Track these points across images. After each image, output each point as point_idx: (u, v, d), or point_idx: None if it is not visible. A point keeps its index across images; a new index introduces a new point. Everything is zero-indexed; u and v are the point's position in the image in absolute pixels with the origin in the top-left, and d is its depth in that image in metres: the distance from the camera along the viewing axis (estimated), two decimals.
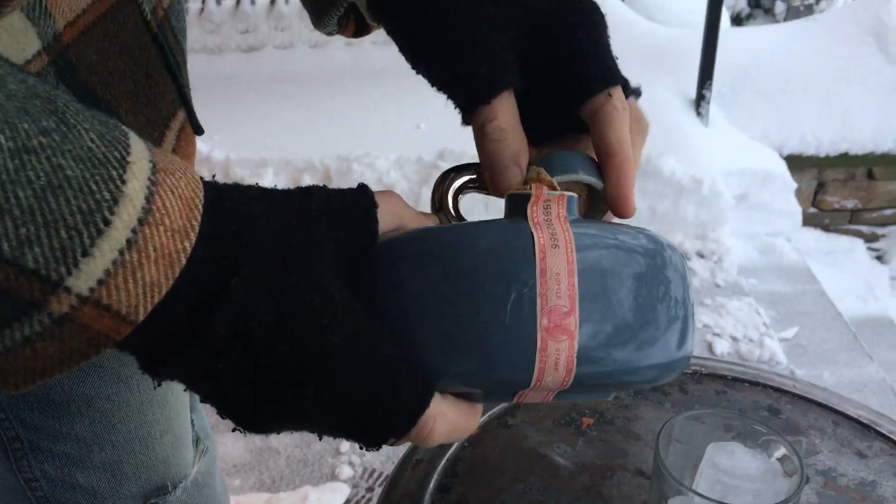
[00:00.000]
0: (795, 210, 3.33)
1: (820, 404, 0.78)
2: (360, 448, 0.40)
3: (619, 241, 0.39)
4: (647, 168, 3.03)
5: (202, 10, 4.20)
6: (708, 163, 3.13)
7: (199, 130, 0.63)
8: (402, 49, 0.50)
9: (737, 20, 6.11)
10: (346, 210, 0.38)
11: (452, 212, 0.47)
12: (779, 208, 3.31)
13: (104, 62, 0.50)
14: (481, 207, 2.81)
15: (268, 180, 3.21)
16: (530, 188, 0.41)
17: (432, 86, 0.48)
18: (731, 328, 2.62)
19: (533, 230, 0.37)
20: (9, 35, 0.41)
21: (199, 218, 0.33)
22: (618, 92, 0.46)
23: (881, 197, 3.64)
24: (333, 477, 2.04)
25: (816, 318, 2.77)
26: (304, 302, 0.35)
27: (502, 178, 0.44)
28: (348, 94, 3.69)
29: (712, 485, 0.57)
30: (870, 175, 3.61)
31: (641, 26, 4.16)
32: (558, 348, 0.37)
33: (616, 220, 0.46)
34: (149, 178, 0.31)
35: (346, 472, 2.04)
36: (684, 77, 3.61)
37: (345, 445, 2.12)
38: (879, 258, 3.62)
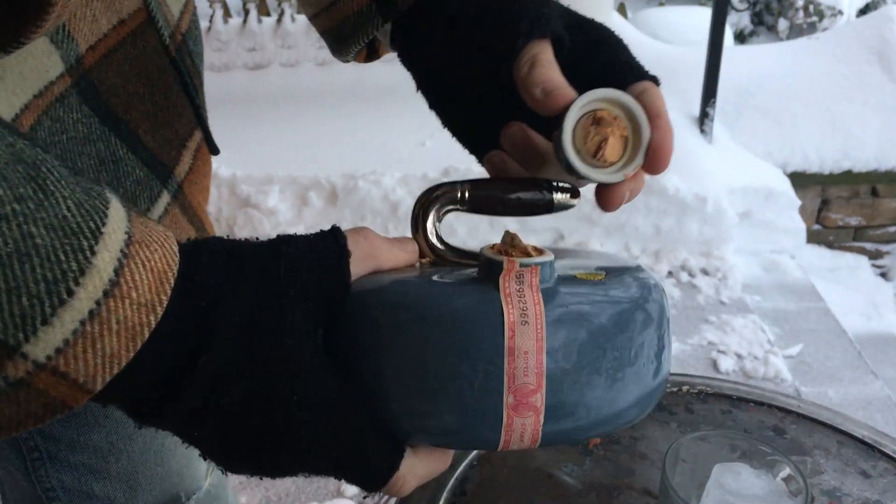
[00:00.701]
0: (799, 227, 3.34)
1: (825, 424, 0.79)
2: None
3: (593, 307, 0.39)
4: (651, 185, 3.05)
5: (209, 28, 4.23)
6: (712, 180, 3.14)
7: (214, 150, 0.65)
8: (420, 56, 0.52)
9: (740, 38, 6.14)
10: (318, 267, 0.38)
11: (433, 238, 0.46)
12: (783, 226, 3.31)
13: (124, 84, 0.51)
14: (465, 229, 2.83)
15: (274, 198, 3.23)
16: (503, 254, 0.40)
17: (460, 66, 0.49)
18: (736, 345, 2.62)
19: (503, 305, 0.37)
20: (34, 58, 0.43)
21: (168, 292, 0.33)
22: (654, 88, 0.46)
23: (885, 214, 3.64)
24: (339, 494, 2.04)
25: (821, 336, 2.77)
26: (273, 378, 0.36)
27: (560, 98, 0.44)
28: (354, 112, 3.71)
29: None
30: (874, 192, 3.61)
31: (645, 45, 4.18)
32: (524, 423, 0.38)
33: (593, 252, 0.46)
34: (121, 250, 0.31)
35: (352, 489, 2.05)
36: (688, 95, 3.63)
37: None
38: (884, 275, 3.63)
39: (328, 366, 0.38)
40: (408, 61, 0.54)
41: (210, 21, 4.27)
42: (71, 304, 0.29)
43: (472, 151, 0.53)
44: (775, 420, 0.80)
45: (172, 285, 0.33)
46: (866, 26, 4.02)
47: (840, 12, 5.72)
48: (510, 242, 0.41)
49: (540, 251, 0.40)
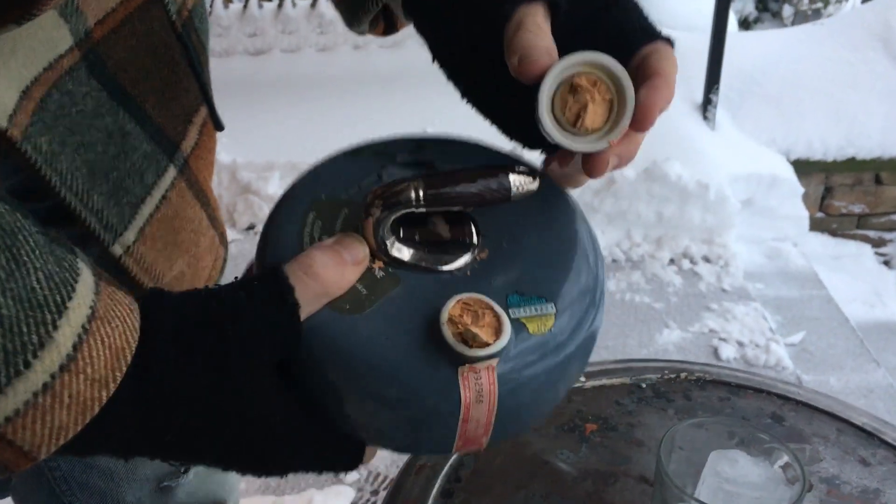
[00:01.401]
0: (802, 215, 3.33)
1: (824, 411, 0.78)
2: None
3: (542, 370, 0.41)
4: (653, 172, 3.03)
5: (210, 13, 4.22)
6: (715, 167, 3.13)
7: (219, 126, 0.65)
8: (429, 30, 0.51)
9: (744, 24, 6.10)
10: (270, 332, 0.38)
11: (387, 248, 0.43)
12: (786, 213, 3.30)
13: (132, 59, 0.51)
14: None
15: (274, 184, 3.22)
16: (462, 339, 0.40)
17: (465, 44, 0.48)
18: (738, 333, 2.62)
19: (461, 390, 0.39)
20: (43, 31, 0.43)
21: (123, 369, 0.33)
22: (663, 49, 0.45)
23: (889, 202, 3.63)
24: (338, 480, 2.04)
25: (823, 324, 2.77)
26: (245, 441, 0.39)
27: (535, 66, 0.42)
28: (355, 98, 3.70)
29: (714, 492, 0.57)
30: (877, 180, 3.60)
31: None
32: (469, 450, 0.43)
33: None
34: (83, 326, 0.31)
35: (351, 475, 2.05)
36: (691, 81, 3.61)
37: None
38: (887, 263, 3.61)
39: (292, 401, 0.40)
40: (421, 29, 0.52)
41: (211, 6, 4.25)
42: (26, 376, 0.29)
43: (494, 122, 0.50)
44: (774, 407, 0.79)
45: (129, 362, 0.34)
46: (871, 12, 3.99)
47: None
48: (473, 337, 0.39)
49: (498, 324, 0.40)
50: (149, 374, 0.35)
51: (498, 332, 0.39)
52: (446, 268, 0.43)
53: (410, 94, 3.45)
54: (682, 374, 0.84)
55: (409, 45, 3.93)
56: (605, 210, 3.08)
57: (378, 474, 2.06)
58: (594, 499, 0.68)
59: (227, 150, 3.31)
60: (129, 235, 0.50)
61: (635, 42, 0.45)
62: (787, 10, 5.93)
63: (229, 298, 0.38)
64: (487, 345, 0.39)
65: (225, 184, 3.29)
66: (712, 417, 0.61)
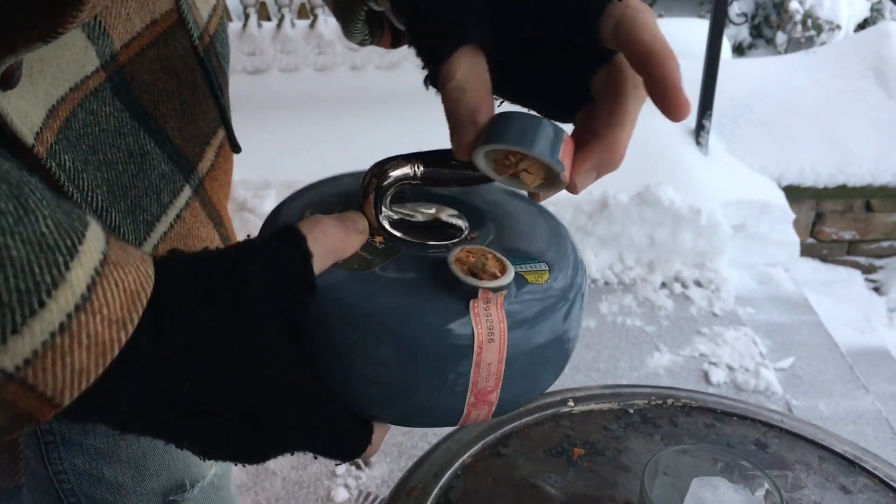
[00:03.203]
0: (793, 240, 3.35)
1: (807, 439, 0.80)
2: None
3: (544, 315, 0.43)
4: (645, 197, 3.06)
5: None
6: (707, 192, 3.15)
7: (236, 149, 0.67)
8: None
9: (739, 50, 6.17)
10: (285, 280, 0.39)
11: (386, 222, 0.46)
12: (777, 239, 3.33)
13: (155, 81, 0.53)
14: None
15: (270, 202, 3.23)
16: (471, 272, 0.42)
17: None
18: (728, 357, 2.63)
19: (473, 326, 0.40)
20: (71, 52, 0.45)
21: (139, 311, 0.33)
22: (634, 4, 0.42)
23: (879, 229, 3.66)
24: (329, 499, 2.04)
25: (813, 349, 2.78)
26: (256, 393, 0.38)
27: (457, 137, 0.42)
28: (352, 118, 3.72)
29: None
30: (868, 207, 3.63)
31: None
32: (478, 414, 0.43)
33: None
34: (95, 269, 0.32)
35: (342, 494, 2.05)
36: None
37: (341, 468, 2.13)
38: (877, 289, 3.64)
39: (304, 364, 0.40)
40: (412, 33, 0.49)
41: None
42: (42, 316, 0.30)
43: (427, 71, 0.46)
44: (758, 434, 0.81)
45: (144, 305, 0.34)
46: (864, 42, 4.05)
47: (838, 27, 5.75)
48: (481, 267, 0.42)
49: (502, 265, 0.43)
50: (167, 316, 0.35)
51: (503, 270, 0.42)
52: (442, 242, 0.46)
53: (406, 115, 3.47)
54: (669, 401, 0.86)
55: (406, 67, 3.96)
56: (598, 233, 3.10)
57: (369, 493, 2.06)
58: None
59: None
60: None
61: (596, 7, 0.42)
62: (781, 38, 6.00)
63: (246, 245, 0.39)
64: (496, 277, 0.41)
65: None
66: (696, 444, 0.63)
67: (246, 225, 3.24)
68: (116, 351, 0.32)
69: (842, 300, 3.41)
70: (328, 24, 4.14)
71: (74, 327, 0.31)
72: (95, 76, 0.47)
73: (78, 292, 0.31)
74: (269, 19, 4.43)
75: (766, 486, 0.60)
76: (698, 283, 3.06)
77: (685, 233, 3.07)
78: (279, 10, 4.16)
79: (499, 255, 0.43)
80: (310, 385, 0.41)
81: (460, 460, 0.76)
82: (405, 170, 0.45)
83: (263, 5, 4.48)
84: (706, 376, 2.55)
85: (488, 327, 0.40)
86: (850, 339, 3.04)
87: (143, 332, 0.34)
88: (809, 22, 5.78)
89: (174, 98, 0.55)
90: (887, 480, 0.74)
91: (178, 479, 0.68)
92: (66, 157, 0.44)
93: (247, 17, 4.19)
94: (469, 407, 0.42)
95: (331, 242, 0.41)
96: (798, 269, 3.42)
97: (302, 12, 4.38)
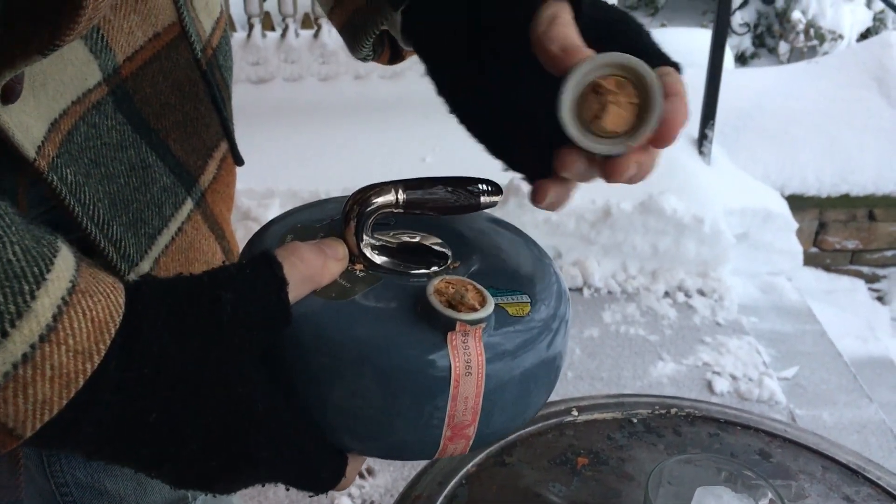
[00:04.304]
0: (796, 250, 3.35)
1: (810, 449, 0.80)
2: None
3: (525, 349, 0.43)
4: (648, 205, 3.06)
5: None
6: (710, 201, 3.16)
7: (239, 161, 0.67)
8: (434, 59, 0.51)
9: (741, 59, 6.18)
10: (259, 307, 0.38)
11: (368, 250, 0.45)
12: (780, 248, 3.33)
13: (157, 95, 0.53)
14: None
15: (274, 211, 3.24)
16: (450, 304, 0.41)
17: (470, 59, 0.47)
18: (731, 367, 2.63)
19: (451, 359, 0.40)
20: (73, 66, 0.45)
21: (107, 342, 0.33)
22: (675, 72, 0.45)
23: (882, 238, 3.66)
24: None
25: (816, 358, 2.78)
26: (229, 424, 0.37)
27: (576, 54, 0.42)
28: (355, 127, 3.73)
29: None
30: (871, 216, 3.63)
31: None
32: (455, 447, 0.43)
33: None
34: (62, 298, 0.31)
35: (345, 503, 2.05)
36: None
37: None
38: (880, 299, 3.64)
39: (277, 393, 0.40)
40: (423, 52, 0.52)
41: None
42: (4, 346, 0.29)
43: (492, 150, 0.50)
44: (762, 444, 0.81)
45: (113, 335, 0.33)
46: (866, 51, 4.05)
47: (841, 36, 5.76)
48: (459, 299, 0.41)
49: (482, 297, 0.42)
50: (137, 345, 0.34)
51: (482, 302, 0.41)
52: (422, 271, 0.46)
53: (410, 124, 3.48)
54: (673, 410, 0.86)
55: (410, 76, 3.97)
56: (602, 242, 3.10)
57: (373, 503, 2.06)
58: None
59: None
60: (144, 265, 0.51)
61: (647, 61, 0.43)
62: (784, 47, 6.01)
63: (221, 272, 0.39)
64: (475, 309, 0.40)
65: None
66: (700, 454, 0.63)
67: (250, 234, 3.25)
68: (81, 382, 0.32)
69: (845, 309, 3.41)
70: (332, 34, 4.15)
71: (38, 358, 0.30)
72: (98, 90, 0.47)
73: (43, 322, 0.30)
74: (273, 29, 4.44)
75: (770, 495, 0.60)
76: (701, 292, 3.05)
77: (688, 242, 3.07)
78: (283, 19, 4.18)
79: (479, 287, 0.43)
80: (282, 415, 0.40)
81: (465, 469, 0.76)
82: (388, 197, 0.45)
83: (268, 15, 4.49)
84: (709, 385, 2.54)
85: (466, 360, 0.40)
86: (854, 349, 3.04)
87: (111, 362, 0.33)
88: (812, 31, 5.79)
89: (176, 111, 0.55)
90: (890, 490, 0.74)
91: (181, 492, 0.68)
92: (68, 170, 0.44)
93: (251, 26, 4.21)
94: (445, 440, 0.42)
95: (308, 270, 0.41)
96: (801, 279, 3.42)
97: (306, 22, 4.40)
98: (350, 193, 0.46)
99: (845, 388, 2.62)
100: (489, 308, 0.41)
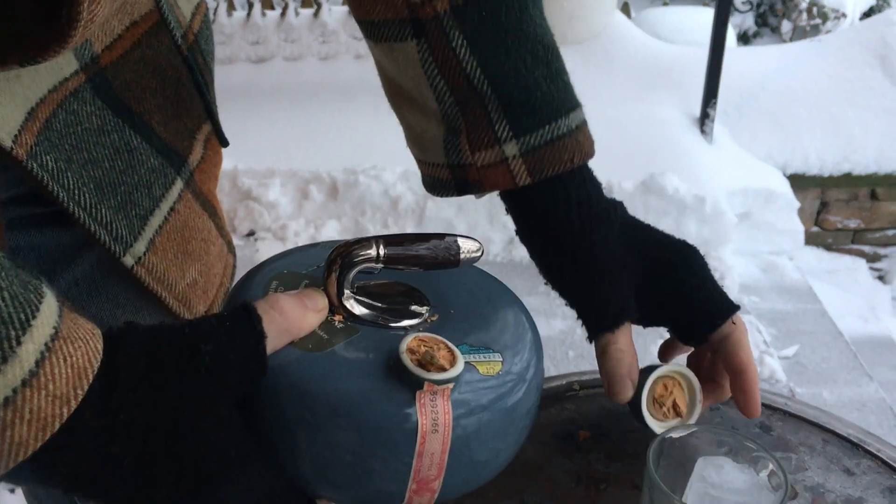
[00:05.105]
0: (798, 229, 3.35)
1: (811, 422, 0.80)
2: None
3: (493, 407, 0.44)
4: (650, 185, 3.06)
5: (213, 21, 4.24)
6: (711, 181, 3.15)
7: (224, 143, 0.67)
8: (540, 269, 0.62)
9: (744, 38, 6.15)
10: (237, 359, 0.39)
11: (348, 302, 0.47)
12: (781, 227, 3.33)
13: (138, 80, 0.53)
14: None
15: (275, 191, 3.24)
16: (421, 363, 0.42)
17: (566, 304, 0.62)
18: None
19: (418, 416, 0.41)
20: None
21: (85, 387, 0.34)
22: (738, 318, 0.61)
23: (884, 217, 3.66)
24: None
25: (817, 337, 2.79)
26: (202, 472, 0.38)
27: (620, 388, 0.61)
28: (356, 107, 3.72)
29: (700, 497, 0.59)
30: (873, 196, 3.63)
31: (647, 44, 4.19)
32: (420, 500, 0.44)
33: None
34: (45, 344, 0.32)
35: None
36: (689, 95, 3.64)
37: None
38: (881, 278, 3.64)
39: (250, 441, 0.41)
40: (532, 249, 0.63)
41: (214, 14, 4.28)
42: None
43: (586, 328, 0.62)
44: (762, 417, 0.81)
45: (90, 381, 0.34)
46: (869, 30, 4.03)
47: (844, 15, 5.72)
48: (430, 359, 0.43)
49: (453, 356, 0.43)
50: (114, 392, 0.35)
51: (452, 362, 0.43)
52: (400, 324, 0.47)
53: None
54: None
55: None
56: None
57: None
58: None
59: (227, 156, 3.30)
60: (140, 246, 0.52)
61: (712, 321, 0.61)
62: (786, 26, 5.98)
63: (201, 323, 0.40)
64: (444, 369, 0.42)
65: (226, 190, 3.31)
66: (701, 426, 0.63)
67: (251, 213, 3.25)
68: (57, 426, 0.33)
69: (846, 289, 3.41)
70: (332, 13, 4.13)
71: (18, 402, 0.31)
72: (74, 78, 0.47)
73: (26, 367, 0.31)
74: (272, 8, 4.42)
75: (771, 466, 0.61)
76: None
77: (690, 221, 3.07)
78: None
79: (451, 346, 0.44)
80: (253, 462, 0.41)
81: None
82: (369, 251, 0.46)
83: None
84: None
85: (433, 419, 0.41)
86: (855, 328, 3.04)
87: (88, 407, 0.34)
88: (815, 10, 5.75)
89: (158, 95, 0.55)
90: (890, 462, 0.74)
91: None
92: (49, 157, 0.44)
93: (251, 5, 4.19)
94: (411, 493, 0.43)
95: (287, 323, 0.42)
96: (803, 258, 3.42)
97: (306, 1, 4.37)
98: (335, 242, 0.48)
99: (846, 367, 2.63)
100: (458, 368, 0.42)
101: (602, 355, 0.60)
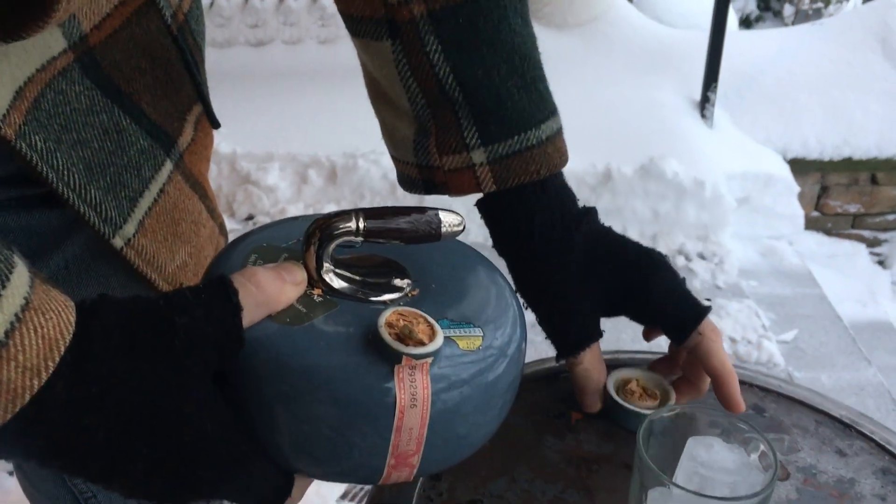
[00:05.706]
0: (798, 213, 3.35)
1: (803, 403, 0.80)
2: None
3: (472, 382, 0.44)
4: (650, 169, 3.05)
5: (212, 3, 4.22)
6: (711, 165, 3.15)
7: (215, 124, 0.66)
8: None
9: (746, 22, 6.12)
10: (212, 332, 0.39)
11: (328, 275, 0.46)
12: (781, 211, 3.32)
13: (127, 60, 0.52)
14: None
15: (273, 175, 3.23)
16: (400, 337, 0.42)
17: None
18: (731, 330, 2.64)
19: (396, 391, 0.41)
20: (36, 36, 0.44)
21: (56, 359, 0.33)
22: (707, 324, 0.63)
23: (884, 202, 3.65)
24: None
25: (816, 322, 2.79)
26: (179, 446, 0.38)
27: (590, 402, 0.69)
28: (355, 91, 3.67)
29: (690, 476, 0.59)
30: (873, 180, 3.62)
31: (648, 28, 4.17)
32: (399, 475, 0.44)
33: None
34: (15, 314, 0.32)
35: None
36: (689, 79, 3.62)
37: None
38: (881, 263, 3.64)
39: (227, 415, 0.40)
40: (507, 261, 0.65)
41: None
42: None
43: (555, 347, 0.67)
44: (756, 399, 0.81)
45: (62, 353, 0.34)
46: (871, 13, 4.01)
47: None
48: (408, 333, 0.42)
49: (432, 330, 0.43)
50: (86, 364, 0.35)
51: (432, 337, 0.42)
52: (381, 298, 0.46)
53: None
54: None
55: None
56: (602, 206, 3.10)
57: None
58: (577, 485, 0.70)
59: (226, 140, 3.32)
60: (129, 228, 0.51)
61: (687, 327, 0.63)
62: (788, 10, 5.95)
63: (176, 296, 0.39)
64: (423, 343, 0.41)
65: (225, 174, 3.30)
66: (692, 406, 0.63)
67: (249, 197, 3.24)
68: (27, 397, 0.32)
69: (846, 273, 3.41)
70: None
71: None
72: (63, 57, 0.46)
73: None
74: None
75: (762, 447, 0.60)
76: (702, 256, 3.05)
77: (689, 206, 3.06)
78: None
79: (430, 320, 0.43)
80: (231, 436, 0.40)
81: None
82: (349, 224, 0.45)
83: None
84: None
85: (411, 393, 0.41)
86: (854, 312, 3.04)
87: (59, 379, 0.34)
88: None
89: (147, 75, 0.55)
90: (883, 444, 0.74)
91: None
92: (37, 137, 0.44)
93: None
94: (389, 468, 0.43)
95: (263, 295, 0.41)
96: (802, 242, 3.42)
97: None
98: (315, 215, 0.47)
99: (844, 351, 2.63)
100: (437, 342, 0.42)
101: (571, 373, 0.66)
